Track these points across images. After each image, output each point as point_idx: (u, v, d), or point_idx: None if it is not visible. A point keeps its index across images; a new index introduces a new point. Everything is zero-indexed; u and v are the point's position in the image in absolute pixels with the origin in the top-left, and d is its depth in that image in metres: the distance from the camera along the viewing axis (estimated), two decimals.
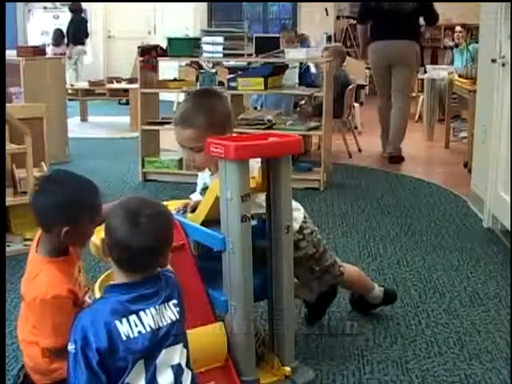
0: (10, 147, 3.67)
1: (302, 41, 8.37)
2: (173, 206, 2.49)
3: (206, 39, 5.57)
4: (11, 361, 2.45)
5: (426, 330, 2.77)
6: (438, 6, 6.66)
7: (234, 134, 2.43)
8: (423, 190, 5.25)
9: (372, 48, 6.52)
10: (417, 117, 9.00)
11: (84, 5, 12.37)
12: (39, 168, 3.82)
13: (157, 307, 1.74)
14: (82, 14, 11.54)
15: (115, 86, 8.90)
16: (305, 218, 2.52)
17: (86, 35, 11.51)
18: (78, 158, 6.32)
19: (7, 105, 4.04)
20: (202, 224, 2.18)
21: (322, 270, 2.57)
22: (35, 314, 1.96)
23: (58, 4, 12.32)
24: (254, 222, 2.15)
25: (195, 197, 2.55)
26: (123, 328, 1.67)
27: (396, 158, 6.40)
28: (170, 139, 6.11)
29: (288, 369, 2.21)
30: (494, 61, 4.09)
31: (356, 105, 7.81)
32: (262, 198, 2.24)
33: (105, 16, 12.81)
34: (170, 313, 1.76)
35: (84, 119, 9.05)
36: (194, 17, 11.38)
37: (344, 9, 13.05)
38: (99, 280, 2.42)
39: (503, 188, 3.95)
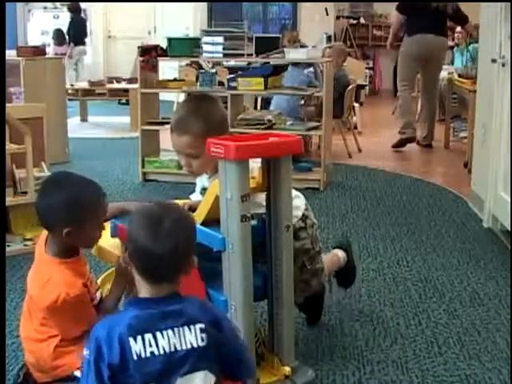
0: (10, 147, 3.67)
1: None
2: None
3: (205, 39, 5.57)
4: (11, 361, 2.45)
5: (425, 330, 2.77)
6: None
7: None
8: (423, 190, 5.25)
9: (412, 40, 6.80)
10: (416, 117, 8.99)
11: (84, 5, 12.37)
12: (39, 168, 3.83)
13: (175, 329, 1.63)
14: (81, 14, 11.52)
15: (115, 86, 8.90)
16: (306, 206, 2.50)
17: (86, 35, 11.51)
18: (78, 158, 6.32)
19: (7, 105, 4.04)
20: (202, 224, 2.18)
21: (311, 272, 2.52)
22: (58, 314, 1.96)
23: (57, 4, 12.31)
24: (253, 222, 2.15)
25: (195, 197, 2.55)
26: (136, 347, 1.60)
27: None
28: (170, 139, 6.13)
29: (288, 369, 2.21)
30: (494, 61, 4.09)
31: (356, 105, 7.80)
32: (261, 197, 2.24)
33: (105, 16, 12.80)
34: (193, 337, 1.63)
35: (84, 119, 9.05)
36: (193, 17, 11.38)
37: (344, 9, 13.06)
38: (99, 280, 2.42)
39: (503, 188, 3.95)
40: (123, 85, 8.84)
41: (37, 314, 2.03)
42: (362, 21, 13.13)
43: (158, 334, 1.61)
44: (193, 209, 2.35)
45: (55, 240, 2.01)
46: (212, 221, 2.15)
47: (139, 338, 1.60)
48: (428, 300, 3.09)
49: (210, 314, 1.69)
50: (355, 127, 7.47)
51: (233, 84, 5.38)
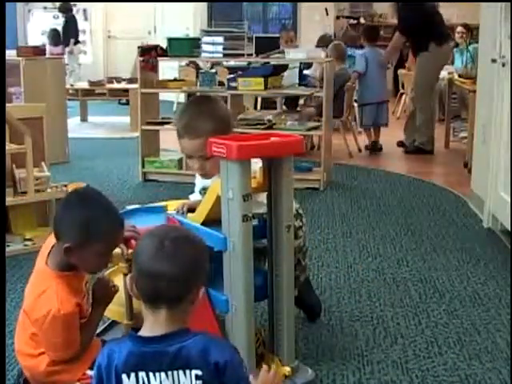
0: (10, 147, 3.67)
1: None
2: (173, 206, 2.49)
3: (205, 39, 5.59)
4: (11, 361, 2.45)
5: (425, 330, 2.77)
6: (437, 6, 6.69)
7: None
8: (423, 190, 5.25)
9: (442, 51, 6.59)
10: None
11: (84, 5, 12.37)
12: (39, 168, 3.82)
13: (169, 372, 1.55)
14: (73, 14, 11.49)
15: (115, 86, 8.89)
16: (298, 204, 2.54)
17: (78, 34, 11.46)
18: (78, 158, 6.33)
19: (7, 105, 4.04)
20: (203, 224, 2.18)
21: (302, 268, 2.61)
22: (45, 329, 1.95)
23: (57, 4, 12.31)
24: (254, 222, 2.15)
25: (194, 197, 2.56)
26: (129, 383, 1.56)
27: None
28: (170, 139, 6.11)
29: (288, 369, 2.21)
30: (494, 61, 4.09)
31: (356, 105, 7.80)
32: (263, 196, 2.24)
33: (105, 16, 12.81)
34: (187, 382, 1.56)
35: (84, 119, 9.04)
36: (193, 17, 11.38)
37: (344, 9, 13.05)
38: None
39: (503, 188, 3.95)
40: (123, 85, 8.84)
41: (29, 326, 2.03)
42: (362, 21, 13.12)
43: (151, 375, 1.56)
44: (191, 209, 2.35)
45: (58, 253, 1.99)
46: (212, 221, 2.16)
47: (133, 375, 1.56)
48: (428, 300, 3.09)
49: (213, 359, 1.56)
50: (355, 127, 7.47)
51: (233, 84, 5.38)
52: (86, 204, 1.99)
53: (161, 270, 1.55)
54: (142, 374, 1.56)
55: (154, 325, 1.59)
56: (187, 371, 1.56)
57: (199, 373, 1.55)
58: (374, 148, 6.99)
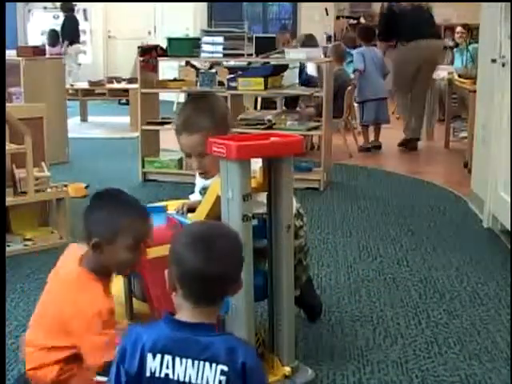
0: (10, 147, 3.67)
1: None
2: (173, 206, 2.49)
3: (205, 39, 5.57)
4: (11, 361, 2.45)
5: (425, 330, 2.77)
6: (437, 6, 6.70)
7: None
8: (423, 190, 5.25)
9: (410, 47, 6.79)
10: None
11: (84, 5, 12.37)
12: (39, 168, 3.82)
13: (195, 362, 1.55)
14: (75, 14, 11.48)
15: (115, 86, 8.90)
16: (298, 203, 2.54)
17: (79, 34, 11.44)
18: (78, 158, 6.33)
19: (7, 105, 4.04)
20: None
21: (303, 267, 2.60)
22: (94, 328, 1.90)
23: (57, 4, 12.30)
24: (254, 222, 2.15)
25: (194, 197, 2.56)
26: (152, 364, 1.56)
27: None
28: (169, 139, 6.10)
29: (288, 369, 2.21)
30: (494, 61, 4.09)
31: (356, 105, 7.80)
32: (263, 196, 2.24)
33: (105, 16, 12.80)
34: (211, 376, 1.55)
35: (84, 119, 9.04)
36: (193, 17, 11.38)
37: (344, 9, 13.04)
38: None
39: (503, 188, 3.95)
40: (123, 85, 8.84)
41: (53, 328, 1.97)
42: (362, 21, 13.10)
43: (177, 359, 1.56)
44: (191, 209, 2.35)
45: (92, 255, 1.98)
46: (213, 220, 2.15)
47: (159, 356, 1.56)
48: (428, 300, 3.09)
49: (241, 359, 1.56)
50: (355, 127, 7.48)
51: (233, 84, 5.38)
52: (110, 201, 2.00)
53: (212, 273, 1.57)
54: (168, 358, 1.56)
55: (192, 312, 1.60)
56: (213, 364, 1.55)
57: (225, 368, 1.55)
58: (375, 146, 7.04)
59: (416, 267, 3.52)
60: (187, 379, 1.55)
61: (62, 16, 11.42)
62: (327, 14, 11.63)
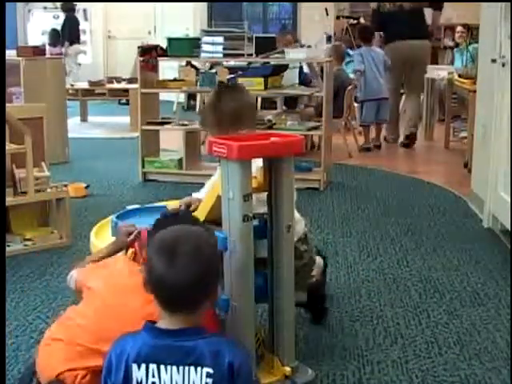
0: (10, 147, 3.67)
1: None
2: (173, 206, 2.49)
3: (205, 39, 5.57)
4: (11, 361, 2.45)
5: (425, 330, 2.77)
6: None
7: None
8: (423, 190, 5.25)
9: (391, 47, 7.06)
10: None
11: (84, 5, 12.35)
12: (39, 168, 3.82)
13: (180, 367, 1.56)
14: (75, 14, 11.47)
15: (115, 86, 8.89)
16: (306, 228, 2.60)
17: (79, 34, 11.43)
18: (78, 158, 6.32)
19: (7, 105, 4.04)
20: (204, 223, 2.18)
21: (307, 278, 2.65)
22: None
23: (58, 4, 12.29)
24: (255, 222, 2.15)
25: (198, 195, 2.55)
26: (138, 374, 1.57)
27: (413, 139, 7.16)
28: (170, 139, 6.14)
29: (288, 369, 2.21)
30: (494, 61, 4.09)
31: (356, 105, 7.80)
32: (264, 195, 2.24)
33: (105, 16, 12.80)
34: (197, 380, 1.56)
35: (84, 119, 9.04)
36: (193, 17, 11.37)
37: (344, 9, 13.03)
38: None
39: (503, 188, 3.95)
40: (123, 85, 8.84)
41: (98, 339, 1.91)
42: (362, 21, 13.10)
43: (162, 367, 1.56)
44: (192, 207, 2.35)
45: None
46: (213, 220, 2.16)
47: (143, 365, 1.56)
48: (428, 300, 3.09)
49: (227, 360, 1.57)
50: (355, 127, 7.48)
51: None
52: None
53: (177, 283, 1.55)
54: (152, 366, 1.56)
55: (171, 320, 1.59)
56: (198, 368, 1.56)
57: (210, 371, 1.56)
58: (375, 145, 7.09)
59: (416, 267, 3.52)
60: None
61: (62, 16, 11.41)
62: (327, 14, 11.62)
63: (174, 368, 1.56)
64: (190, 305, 1.60)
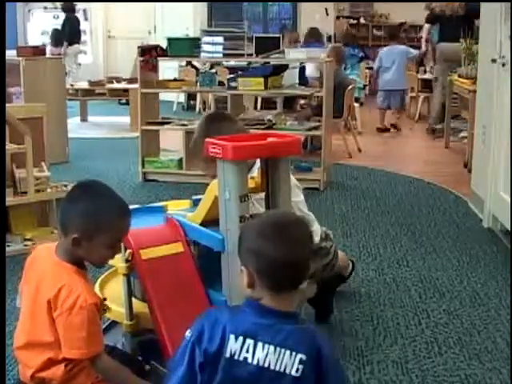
0: (10, 147, 3.67)
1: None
2: (172, 206, 2.49)
3: (205, 39, 5.58)
4: (11, 361, 2.45)
5: (425, 330, 2.77)
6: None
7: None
8: (423, 190, 5.25)
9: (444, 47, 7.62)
10: (417, 117, 9.01)
11: (84, 5, 12.35)
12: (39, 168, 3.83)
13: (278, 348, 1.58)
14: (76, 14, 11.46)
15: (115, 86, 8.89)
16: (323, 228, 2.76)
17: (79, 34, 11.42)
18: (78, 158, 6.32)
19: (7, 105, 4.04)
20: (202, 224, 2.18)
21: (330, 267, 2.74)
22: (70, 322, 1.85)
23: (58, 4, 12.29)
24: None
25: None
26: (234, 345, 1.58)
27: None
28: (170, 139, 6.14)
29: None
30: (494, 61, 4.09)
31: (356, 105, 7.81)
32: (263, 194, 2.24)
33: (105, 16, 12.80)
34: (290, 364, 1.58)
35: (84, 119, 9.04)
36: (193, 17, 11.36)
37: (344, 9, 13.05)
38: (99, 280, 2.43)
39: (503, 188, 3.95)
40: (123, 85, 8.83)
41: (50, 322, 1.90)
42: (362, 21, 13.12)
43: (259, 345, 1.58)
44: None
45: (68, 247, 1.94)
46: (211, 221, 2.15)
47: (240, 338, 1.58)
48: (428, 300, 3.09)
49: (317, 345, 1.61)
50: (355, 127, 7.49)
51: (233, 84, 5.38)
52: (91, 195, 1.96)
53: (295, 259, 1.60)
54: (250, 342, 1.58)
55: (275, 299, 1.62)
56: (293, 353, 1.58)
57: (304, 357, 1.58)
58: (391, 125, 8.15)
59: (416, 267, 3.52)
60: (266, 364, 1.57)
61: (62, 16, 11.40)
62: (327, 14, 11.62)
63: (272, 348, 1.58)
64: (297, 283, 1.64)
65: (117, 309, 2.20)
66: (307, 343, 1.60)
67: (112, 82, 8.98)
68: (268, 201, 2.19)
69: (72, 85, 8.93)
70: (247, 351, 1.58)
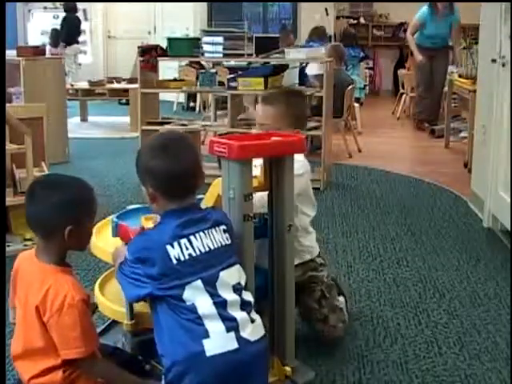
0: (10, 147, 3.67)
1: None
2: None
3: (205, 39, 5.59)
4: (11, 361, 2.45)
5: (425, 330, 2.77)
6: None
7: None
8: (423, 190, 5.25)
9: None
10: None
11: (84, 5, 12.34)
12: (39, 168, 3.83)
13: (205, 231, 1.83)
14: (77, 14, 11.45)
15: (115, 86, 8.89)
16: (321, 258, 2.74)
17: (79, 34, 11.40)
18: (78, 158, 6.33)
19: (7, 105, 4.04)
20: None
21: (330, 306, 2.63)
22: (61, 323, 1.85)
23: (58, 4, 12.28)
24: (255, 222, 2.15)
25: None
26: (174, 251, 1.76)
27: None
28: None
29: (288, 369, 2.20)
30: (494, 61, 4.09)
31: (356, 105, 7.81)
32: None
33: (105, 16, 12.79)
34: (219, 237, 1.86)
35: (84, 119, 9.04)
36: (194, 17, 11.36)
37: (344, 9, 13.04)
38: (99, 280, 2.42)
39: (503, 188, 3.95)
40: (123, 85, 8.83)
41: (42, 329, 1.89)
42: (362, 21, 13.11)
43: (192, 238, 1.80)
44: None
45: (53, 248, 1.94)
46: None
47: (175, 244, 1.77)
48: (428, 300, 3.09)
49: (227, 219, 1.93)
50: (355, 127, 7.49)
51: (233, 84, 5.38)
52: (54, 188, 1.95)
53: (181, 170, 1.86)
54: (183, 241, 1.79)
55: (177, 203, 1.87)
56: (217, 228, 1.87)
57: (225, 227, 1.89)
58: None
59: (416, 267, 3.52)
60: (207, 248, 1.82)
61: (62, 16, 11.40)
62: (327, 14, 11.62)
63: (202, 234, 1.83)
64: (190, 190, 1.90)
65: (117, 309, 2.20)
66: (220, 216, 1.92)
67: (112, 82, 8.98)
68: (271, 199, 2.19)
69: (72, 85, 8.93)
70: (187, 248, 1.78)
